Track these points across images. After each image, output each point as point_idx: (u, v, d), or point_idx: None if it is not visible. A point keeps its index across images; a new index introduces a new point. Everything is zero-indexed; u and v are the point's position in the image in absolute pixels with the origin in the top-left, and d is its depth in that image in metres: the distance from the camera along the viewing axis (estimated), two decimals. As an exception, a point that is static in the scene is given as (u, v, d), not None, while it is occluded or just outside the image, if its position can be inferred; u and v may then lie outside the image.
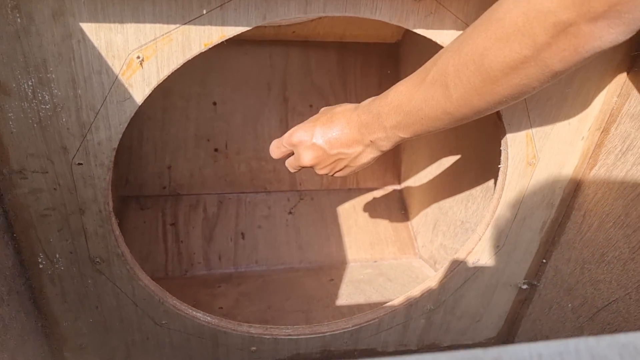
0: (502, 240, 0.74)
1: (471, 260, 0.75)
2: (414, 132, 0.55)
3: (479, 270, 0.76)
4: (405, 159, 1.22)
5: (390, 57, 1.20)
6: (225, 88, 1.14)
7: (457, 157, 1.00)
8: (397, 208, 1.23)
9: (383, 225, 1.20)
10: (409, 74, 1.20)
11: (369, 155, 0.61)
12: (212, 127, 1.15)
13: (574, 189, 0.70)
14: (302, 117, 1.19)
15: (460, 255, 0.76)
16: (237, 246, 1.11)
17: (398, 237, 1.19)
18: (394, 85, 0.56)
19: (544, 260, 0.77)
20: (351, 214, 1.21)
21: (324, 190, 1.23)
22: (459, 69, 0.47)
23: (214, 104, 1.15)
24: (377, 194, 1.24)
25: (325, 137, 0.61)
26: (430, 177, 1.11)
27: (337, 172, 0.65)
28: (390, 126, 0.56)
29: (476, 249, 0.74)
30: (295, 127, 0.64)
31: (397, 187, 1.25)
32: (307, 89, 1.18)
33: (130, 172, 1.13)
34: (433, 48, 0.56)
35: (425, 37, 0.56)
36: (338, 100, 1.19)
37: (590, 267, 0.68)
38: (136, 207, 1.13)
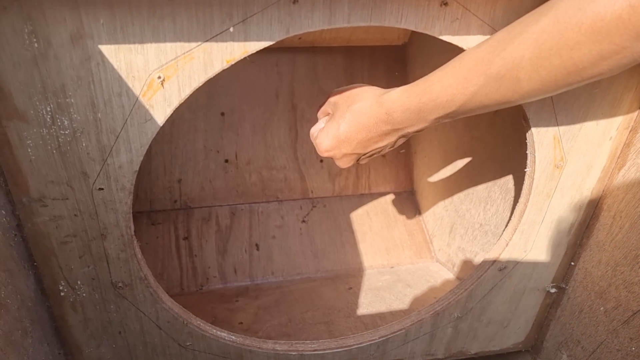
0: (530, 245, 0.72)
1: (498, 266, 0.73)
2: (459, 117, 0.53)
3: (506, 275, 0.75)
4: (417, 161, 1.20)
5: (397, 60, 1.19)
6: (232, 98, 1.13)
7: (473, 158, 0.98)
8: (411, 212, 1.21)
9: (398, 230, 1.18)
10: (417, 75, 1.18)
11: (401, 140, 0.60)
12: (221, 138, 1.14)
13: (603, 189, 0.69)
14: (310, 124, 1.18)
15: (487, 261, 0.74)
16: (252, 258, 1.10)
17: (414, 241, 1.17)
18: (433, 77, 0.52)
19: (572, 263, 0.75)
20: (365, 220, 1.19)
21: (336, 197, 1.21)
22: (538, 62, 0.44)
23: (222, 114, 1.13)
24: (390, 198, 1.23)
25: (355, 140, 0.59)
26: (445, 179, 1.09)
27: (366, 159, 0.64)
28: (435, 118, 0.53)
29: (503, 254, 0.73)
30: (320, 136, 0.62)
31: (410, 190, 1.23)
32: (315, 95, 1.17)
33: (140, 187, 1.11)
34: (440, 48, 0.55)
35: (432, 38, 0.54)
36: (347, 106, 1.17)
37: (623, 270, 0.66)
38: (147, 222, 1.11)
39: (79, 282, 0.60)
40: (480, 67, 0.47)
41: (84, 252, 0.58)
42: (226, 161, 1.15)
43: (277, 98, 1.15)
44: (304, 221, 1.17)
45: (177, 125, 1.10)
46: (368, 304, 0.97)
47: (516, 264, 0.74)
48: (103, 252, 0.58)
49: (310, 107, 1.16)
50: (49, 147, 0.50)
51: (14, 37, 0.43)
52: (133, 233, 0.58)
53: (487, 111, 0.51)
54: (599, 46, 0.41)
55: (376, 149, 0.61)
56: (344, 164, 0.64)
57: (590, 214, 0.71)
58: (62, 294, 0.61)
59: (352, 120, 0.58)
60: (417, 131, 0.57)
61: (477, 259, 0.97)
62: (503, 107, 0.50)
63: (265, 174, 1.16)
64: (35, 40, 0.44)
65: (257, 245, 1.12)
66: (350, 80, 1.18)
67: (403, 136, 0.59)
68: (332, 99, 0.62)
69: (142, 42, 0.46)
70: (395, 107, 0.55)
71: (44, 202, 0.53)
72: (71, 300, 0.61)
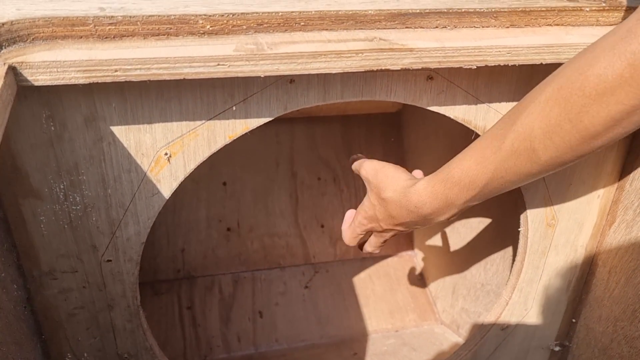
0: (530, 303, 0.73)
1: (500, 325, 0.74)
2: (488, 197, 0.53)
3: (509, 334, 0.75)
4: (416, 224, 1.22)
5: (392, 126, 1.23)
6: (233, 168, 1.17)
7: (471, 220, 1.01)
8: (413, 274, 1.22)
9: (401, 293, 1.19)
10: (412, 141, 1.21)
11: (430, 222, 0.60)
12: (223, 206, 1.16)
13: (597, 246, 0.71)
14: (310, 190, 1.21)
15: (489, 321, 0.75)
16: (255, 326, 1.09)
17: (417, 303, 1.17)
18: (453, 162, 0.53)
19: (574, 320, 0.76)
20: (368, 284, 1.20)
21: (338, 262, 1.23)
22: (550, 130, 0.44)
23: (224, 184, 1.17)
24: (392, 261, 1.24)
25: (395, 222, 0.59)
26: (444, 241, 1.11)
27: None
28: (463, 202, 0.53)
29: (504, 313, 0.73)
30: (359, 217, 0.64)
31: (411, 253, 1.25)
32: (314, 162, 1.21)
33: (144, 258, 1.11)
34: (433, 114, 0.58)
35: None
36: (345, 171, 1.21)
37: (623, 325, 0.67)
38: (151, 293, 1.12)
39: (85, 354, 0.61)
40: (494, 143, 0.48)
41: (91, 324, 0.59)
42: (228, 229, 1.17)
43: (277, 166, 1.18)
44: (306, 287, 1.17)
45: (179, 195, 1.13)
46: (374, 369, 0.96)
47: (518, 322, 0.75)
48: (110, 323, 0.59)
49: (309, 174, 1.20)
50: (61, 222, 0.52)
51: (33, 121, 0.47)
52: (139, 303, 0.60)
53: (515, 187, 0.51)
54: (607, 107, 0.41)
55: (414, 226, 0.60)
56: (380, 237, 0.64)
57: (587, 270, 0.73)
58: (68, 367, 0.61)
59: (384, 209, 0.59)
60: (448, 218, 0.57)
61: (481, 320, 0.97)
62: (528, 180, 0.50)
63: (267, 241, 1.18)
64: (52, 123, 0.47)
65: (260, 312, 1.12)
66: (348, 147, 1.22)
67: (434, 222, 0.58)
68: (363, 174, 0.63)
69: (150, 122, 0.50)
70: (423, 199, 0.54)
71: (54, 275, 0.55)
72: (77, 373, 0.62)
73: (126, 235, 0.55)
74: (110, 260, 0.56)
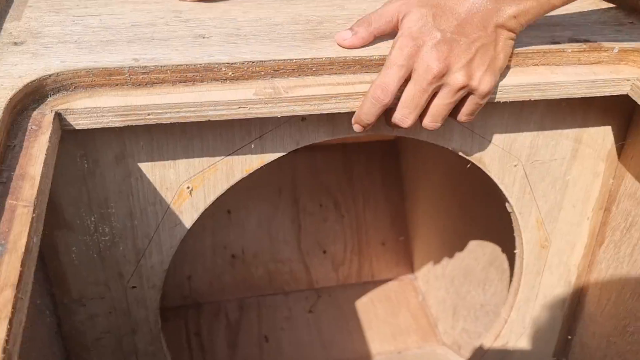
0: (527, 321, 0.77)
1: (499, 344, 0.78)
2: None
3: (508, 353, 0.79)
4: (416, 248, 1.26)
5: (391, 153, 1.28)
6: (237, 196, 1.21)
7: (469, 242, 1.05)
8: (414, 296, 1.25)
9: (402, 315, 1.22)
10: (410, 167, 1.25)
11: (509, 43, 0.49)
12: (227, 234, 1.20)
13: (588, 265, 0.75)
14: (312, 217, 1.25)
15: (488, 340, 0.79)
16: (261, 351, 1.12)
17: (419, 325, 1.20)
18: None
19: (570, 337, 0.80)
20: (370, 307, 1.23)
21: (341, 286, 1.26)
22: None
23: (228, 212, 1.21)
24: (393, 284, 1.27)
25: (450, 22, 0.46)
26: (444, 263, 1.15)
27: (485, 73, 0.48)
28: None
29: (503, 332, 0.77)
30: (426, 53, 0.47)
31: (412, 276, 1.29)
32: (316, 189, 1.25)
33: (153, 285, 1.16)
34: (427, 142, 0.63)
35: None
36: (345, 197, 1.26)
37: (615, 340, 0.71)
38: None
39: (109, 378, 0.64)
40: None
41: (116, 348, 0.62)
42: (233, 256, 1.20)
43: (279, 194, 1.23)
44: (310, 311, 1.21)
45: (187, 224, 1.17)
46: (379, 390, 0.99)
47: (516, 340, 0.78)
48: (133, 346, 0.63)
49: (311, 200, 1.24)
50: (91, 252, 0.56)
51: (68, 160, 0.51)
52: (160, 327, 0.64)
53: None
54: None
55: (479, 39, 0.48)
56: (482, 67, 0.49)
57: (580, 288, 0.77)
58: (92, 390, 0.64)
59: (463, 20, 0.47)
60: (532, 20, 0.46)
61: (482, 339, 1.01)
62: None
63: (271, 267, 1.22)
64: (85, 161, 0.52)
65: (266, 337, 1.15)
66: (348, 174, 1.27)
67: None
68: (414, 15, 0.48)
69: (174, 158, 0.54)
70: None
71: (82, 302, 0.59)
72: (101, 396, 0.65)
73: (150, 264, 0.59)
74: (135, 287, 0.60)
